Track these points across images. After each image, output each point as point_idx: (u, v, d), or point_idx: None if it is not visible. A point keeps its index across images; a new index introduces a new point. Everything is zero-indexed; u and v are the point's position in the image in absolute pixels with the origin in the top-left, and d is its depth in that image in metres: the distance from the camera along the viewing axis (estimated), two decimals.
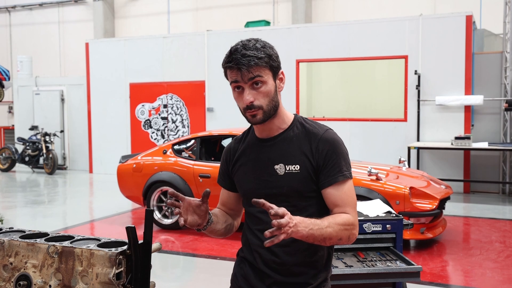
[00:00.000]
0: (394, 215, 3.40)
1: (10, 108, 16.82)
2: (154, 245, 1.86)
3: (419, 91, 9.58)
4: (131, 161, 7.34)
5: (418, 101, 9.60)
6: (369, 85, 11.76)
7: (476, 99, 9.15)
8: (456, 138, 8.83)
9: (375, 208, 3.51)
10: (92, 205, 9.43)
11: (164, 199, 6.99)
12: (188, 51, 11.74)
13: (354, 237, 1.82)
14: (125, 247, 1.72)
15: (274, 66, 1.84)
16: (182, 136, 11.61)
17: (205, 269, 5.57)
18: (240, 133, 2.08)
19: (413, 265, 3.03)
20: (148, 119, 12.19)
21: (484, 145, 8.78)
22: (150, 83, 12.14)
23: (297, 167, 1.84)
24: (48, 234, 1.90)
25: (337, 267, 3.06)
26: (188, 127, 11.81)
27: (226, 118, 11.12)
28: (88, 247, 1.74)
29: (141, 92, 12.25)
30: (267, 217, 1.89)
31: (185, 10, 15.38)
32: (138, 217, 7.80)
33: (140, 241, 1.74)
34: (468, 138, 8.75)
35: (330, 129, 1.92)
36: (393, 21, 9.99)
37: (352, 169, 1.92)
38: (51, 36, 17.09)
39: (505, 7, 9.85)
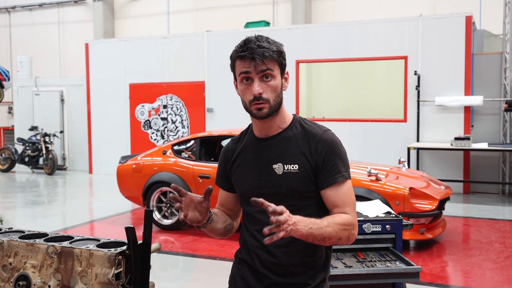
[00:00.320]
0: (393, 215, 3.40)
1: (10, 108, 16.83)
2: (154, 246, 1.86)
3: (418, 92, 9.58)
4: (130, 162, 7.34)
5: (418, 101, 9.60)
6: (368, 86, 11.77)
7: (475, 100, 9.16)
8: (456, 138, 8.83)
9: (375, 209, 3.51)
10: (91, 205, 9.43)
11: (164, 199, 6.99)
12: (188, 51, 11.74)
13: (353, 237, 1.82)
14: (124, 248, 1.72)
15: (283, 63, 1.86)
16: (182, 136, 11.61)
17: (205, 269, 5.56)
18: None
19: (412, 265, 3.03)
20: (148, 120, 12.19)
21: (484, 145, 8.78)
22: (150, 83, 12.14)
23: (295, 167, 1.84)
24: (48, 235, 1.90)
25: (336, 267, 3.06)
26: (188, 127, 11.81)
27: (226, 118, 11.12)
28: (87, 247, 1.74)
29: (141, 93, 12.25)
30: (265, 217, 1.89)
31: (185, 10, 15.38)
32: (138, 218, 7.80)
33: (140, 242, 1.74)
34: (468, 138, 8.75)
35: (329, 130, 1.93)
36: (392, 22, 9.99)
37: (352, 170, 1.93)
38: (51, 37, 17.10)
39: (504, 8, 9.85)
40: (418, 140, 9.65)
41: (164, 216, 7.00)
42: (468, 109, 9.41)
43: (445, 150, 9.33)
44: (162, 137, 12.07)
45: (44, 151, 12.68)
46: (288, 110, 1.96)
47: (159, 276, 5.27)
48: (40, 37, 17.24)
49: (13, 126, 15.32)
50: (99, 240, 1.83)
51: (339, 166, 1.84)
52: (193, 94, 11.70)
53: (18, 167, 13.93)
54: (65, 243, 1.79)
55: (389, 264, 3.09)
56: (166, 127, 12.02)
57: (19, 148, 13.74)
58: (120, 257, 1.69)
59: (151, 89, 12.13)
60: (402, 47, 9.79)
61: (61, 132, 13.50)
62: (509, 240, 6.38)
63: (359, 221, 3.15)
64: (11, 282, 1.80)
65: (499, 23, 10.51)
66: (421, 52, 9.61)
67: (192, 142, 7.17)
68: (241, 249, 2.02)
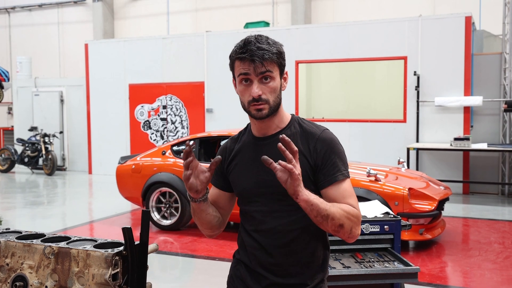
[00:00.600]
0: (392, 216, 3.40)
1: (10, 109, 16.83)
2: (151, 246, 1.86)
3: (418, 92, 9.58)
4: (130, 162, 7.34)
5: (418, 102, 9.60)
6: (368, 86, 11.77)
7: (475, 100, 9.16)
8: (455, 139, 8.83)
9: (373, 209, 3.51)
10: (91, 206, 9.43)
11: (163, 200, 6.99)
12: (188, 52, 11.74)
13: (355, 233, 1.79)
14: (121, 248, 1.72)
15: (282, 64, 1.86)
16: (181, 137, 11.61)
17: (204, 270, 5.56)
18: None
19: (410, 266, 3.03)
20: (148, 120, 12.19)
21: (483, 146, 8.78)
22: (149, 84, 12.15)
23: None
24: (45, 235, 1.90)
25: (334, 268, 3.06)
26: (187, 128, 11.81)
27: (226, 119, 11.13)
28: (84, 248, 1.74)
29: (140, 93, 12.25)
30: (264, 216, 1.89)
31: (184, 11, 15.39)
32: (137, 218, 7.80)
33: (137, 242, 1.73)
34: (467, 139, 8.76)
35: (327, 129, 1.93)
36: (392, 22, 9.99)
37: (351, 170, 1.93)
38: (50, 37, 17.11)
39: (504, 8, 9.86)
40: (417, 141, 9.66)
41: (164, 217, 7.00)
42: (467, 110, 9.41)
43: (444, 151, 9.33)
44: (162, 137, 12.07)
45: (43, 152, 12.68)
46: (288, 111, 1.96)
47: (158, 276, 5.27)
48: (39, 37, 17.24)
49: (12, 126, 15.33)
50: (96, 241, 1.82)
51: (339, 165, 1.84)
52: (192, 95, 11.71)
53: (18, 167, 13.94)
54: (62, 244, 1.79)
55: (387, 265, 3.09)
56: (165, 127, 12.03)
57: (19, 148, 13.74)
58: (117, 257, 1.69)
59: (150, 89, 12.14)
60: (401, 48, 9.79)
61: (61, 132, 13.51)
62: (508, 240, 6.38)
63: None
64: (8, 282, 1.80)
65: (499, 24, 10.52)
66: (421, 52, 9.62)
67: (192, 142, 7.15)
68: (239, 250, 2.02)
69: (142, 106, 12.24)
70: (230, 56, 1.86)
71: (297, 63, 10.56)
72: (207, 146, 7.23)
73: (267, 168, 1.88)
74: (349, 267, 3.09)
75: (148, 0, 15.78)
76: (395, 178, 6.21)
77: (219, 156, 1.77)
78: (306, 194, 1.65)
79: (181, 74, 11.81)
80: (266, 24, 12.16)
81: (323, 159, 1.84)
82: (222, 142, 7.35)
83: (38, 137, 12.93)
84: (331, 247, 2.49)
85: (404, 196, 5.67)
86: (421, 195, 5.79)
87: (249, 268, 1.94)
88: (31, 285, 1.76)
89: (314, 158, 1.84)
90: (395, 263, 3.12)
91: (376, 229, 3.28)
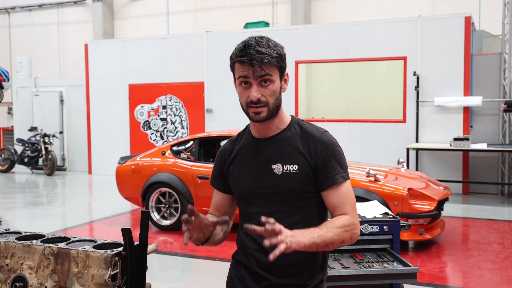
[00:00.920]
0: (391, 216, 3.40)
1: (10, 109, 16.83)
2: (150, 247, 1.86)
3: (418, 92, 9.58)
4: (130, 162, 7.34)
5: (417, 102, 9.61)
6: (368, 86, 11.78)
7: (475, 100, 9.16)
8: (455, 139, 8.84)
9: (373, 210, 3.51)
10: (91, 206, 9.43)
11: (163, 200, 7.00)
12: (187, 52, 11.74)
13: (356, 237, 1.84)
14: (120, 249, 1.73)
15: (283, 67, 1.86)
16: (181, 137, 11.60)
17: (204, 270, 5.57)
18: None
19: (409, 266, 3.04)
20: (147, 120, 12.20)
21: (483, 146, 8.79)
22: (149, 84, 12.15)
23: (295, 167, 1.85)
24: (44, 236, 1.90)
25: (334, 268, 3.06)
26: (187, 128, 11.81)
27: (225, 119, 11.13)
28: (83, 248, 1.74)
29: (140, 93, 12.25)
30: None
31: (184, 11, 15.39)
32: (137, 218, 7.80)
33: (136, 243, 1.74)
34: (467, 139, 8.76)
35: (327, 131, 1.94)
36: (392, 22, 10.00)
37: (350, 170, 1.94)
38: (50, 37, 17.10)
39: (504, 8, 9.86)
40: (417, 141, 9.66)
41: (163, 217, 7.00)
42: (467, 110, 9.41)
43: (444, 151, 9.33)
44: (162, 137, 12.07)
45: (43, 152, 12.68)
46: (288, 111, 1.97)
47: (158, 276, 5.28)
48: (39, 37, 17.24)
49: (12, 126, 15.33)
50: (95, 241, 1.83)
51: (338, 167, 1.86)
52: (192, 95, 11.71)
53: (18, 167, 13.94)
54: (62, 244, 1.79)
55: (386, 265, 3.10)
56: (165, 127, 12.03)
57: (19, 148, 13.74)
58: (116, 258, 1.69)
59: (150, 89, 12.14)
60: (401, 48, 9.79)
61: (61, 132, 13.51)
62: (508, 240, 6.39)
63: None
64: (8, 283, 1.80)
65: (498, 24, 10.52)
66: (420, 52, 9.62)
67: (191, 142, 7.17)
68: (238, 250, 2.02)
69: (142, 106, 12.24)
70: (230, 58, 1.87)
71: (297, 63, 10.56)
72: (207, 147, 7.24)
73: (267, 169, 1.89)
74: (348, 267, 3.09)
75: (148, 0, 15.78)
76: (394, 178, 6.21)
77: (226, 217, 1.79)
78: (301, 240, 1.66)
79: (181, 74, 11.81)
80: (266, 24, 12.16)
81: (323, 161, 1.85)
82: (222, 143, 7.37)
83: (38, 137, 12.93)
84: None
85: (403, 196, 5.67)
86: (420, 195, 5.79)
87: (249, 269, 1.94)
88: (30, 286, 1.77)
89: (314, 159, 1.85)
90: (394, 264, 3.13)
91: (375, 229, 3.28)
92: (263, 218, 1.60)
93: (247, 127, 2.02)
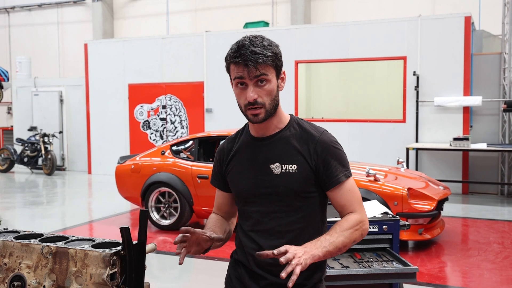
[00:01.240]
0: (390, 216, 3.40)
1: (9, 109, 16.82)
2: (149, 246, 1.86)
3: (417, 92, 9.58)
4: (129, 162, 7.33)
5: (417, 102, 9.60)
6: (368, 86, 11.77)
7: (474, 100, 9.16)
8: (455, 139, 8.84)
9: (372, 209, 3.50)
10: (90, 206, 9.43)
11: (162, 200, 6.99)
12: (187, 52, 11.74)
13: (366, 232, 1.86)
14: (119, 248, 1.72)
15: (278, 65, 1.84)
16: (181, 137, 11.60)
17: (203, 270, 5.56)
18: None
19: (409, 266, 3.03)
20: (147, 120, 12.19)
21: (483, 146, 8.79)
22: (149, 84, 12.15)
23: (294, 167, 1.84)
24: (43, 235, 1.89)
25: (333, 268, 3.06)
26: (187, 128, 11.81)
27: (225, 119, 11.12)
28: (82, 247, 1.74)
29: (140, 93, 12.25)
30: (261, 217, 1.89)
31: (184, 11, 15.39)
32: (137, 218, 7.80)
33: (135, 242, 1.73)
34: (467, 139, 8.76)
35: (326, 130, 1.94)
36: (392, 22, 9.99)
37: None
38: (50, 37, 17.10)
39: (504, 8, 9.85)
40: (417, 141, 9.66)
41: (163, 217, 7.00)
42: (467, 110, 9.41)
43: (444, 151, 9.33)
44: (161, 137, 12.07)
45: (43, 152, 12.68)
46: (287, 111, 1.96)
47: (157, 276, 5.27)
48: (39, 37, 17.24)
49: (12, 126, 15.32)
50: (94, 241, 1.82)
51: (340, 166, 1.85)
52: (192, 95, 11.70)
53: (17, 167, 13.93)
54: (60, 244, 1.79)
55: (386, 265, 3.09)
56: (165, 127, 12.02)
57: (18, 148, 13.74)
58: (115, 257, 1.69)
59: (150, 89, 12.13)
60: (401, 48, 9.79)
61: (60, 132, 13.50)
62: (507, 240, 6.38)
63: None
64: (6, 282, 1.80)
65: (498, 24, 10.52)
66: (420, 52, 9.61)
67: (191, 142, 7.17)
68: (236, 250, 2.02)
69: (141, 106, 12.24)
70: (225, 59, 1.85)
71: (297, 63, 10.55)
72: (207, 146, 7.23)
73: (266, 168, 1.88)
74: (348, 267, 3.08)
75: (148, 0, 15.77)
76: (394, 178, 6.21)
77: (222, 236, 1.83)
78: (315, 253, 1.67)
79: (180, 74, 11.81)
80: (266, 24, 12.16)
81: (324, 161, 1.84)
82: (221, 142, 7.36)
83: (37, 137, 12.93)
84: None
85: (403, 196, 5.67)
86: (420, 195, 5.79)
87: (247, 268, 1.94)
88: (29, 285, 1.76)
89: (314, 160, 1.84)
90: (394, 263, 3.12)
91: (375, 229, 3.28)
92: (275, 252, 1.59)
93: (246, 125, 2.01)
